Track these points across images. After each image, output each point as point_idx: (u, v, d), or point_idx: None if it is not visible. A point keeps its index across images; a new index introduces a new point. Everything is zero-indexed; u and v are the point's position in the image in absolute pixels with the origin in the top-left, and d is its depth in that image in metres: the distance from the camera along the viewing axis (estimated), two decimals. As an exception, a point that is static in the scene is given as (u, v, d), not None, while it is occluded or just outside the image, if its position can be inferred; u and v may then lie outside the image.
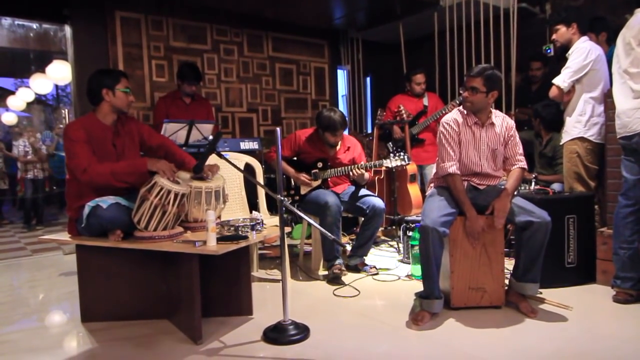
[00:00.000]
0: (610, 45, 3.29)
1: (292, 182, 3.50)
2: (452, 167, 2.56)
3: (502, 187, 2.61)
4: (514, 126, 2.67)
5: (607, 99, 2.94)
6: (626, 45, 2.54)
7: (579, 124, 3.07)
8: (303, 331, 2.27)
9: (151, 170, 2.41)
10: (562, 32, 3.15)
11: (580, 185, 3.10)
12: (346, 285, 3.08)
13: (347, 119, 3.43)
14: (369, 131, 6.31)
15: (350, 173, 3.32)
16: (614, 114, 2.65)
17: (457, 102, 4.06)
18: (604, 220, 3.05)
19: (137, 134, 2.70)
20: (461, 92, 2.59)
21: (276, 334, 2.25)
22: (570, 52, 3.09)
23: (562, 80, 3.05)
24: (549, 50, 4.63)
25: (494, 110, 2.67)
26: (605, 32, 3.38)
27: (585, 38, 3.08)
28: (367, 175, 3.43)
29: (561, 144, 3.24)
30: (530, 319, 2.42)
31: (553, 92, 3.12)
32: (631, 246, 2.58)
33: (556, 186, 3.44)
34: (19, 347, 2.31)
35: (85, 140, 2.46)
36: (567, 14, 3.13)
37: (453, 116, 2.64)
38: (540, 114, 3.83)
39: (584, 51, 3.00)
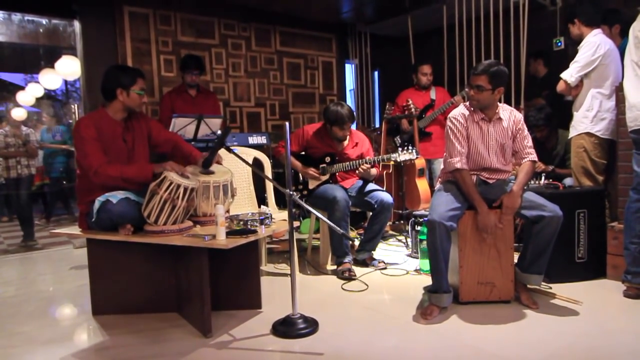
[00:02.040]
0: (623, 37, 3.25)
1: (300, 176, 3.50)
2: (459, 163, 2.53)
3: (512, 181, 2.60)
4: (522, 119, 2.65)
5: (618, 92, 2.90)
6: (635, 38, 2.51)
7: (586, 119, 3.05)
8: (312, 325, 2.28)
9: (157, 172, 2.42)
10: (571, 31, 3.14)
11: (588, 179, 3.07)
12: (355, 279, 3.08)
13: (354, 113, 3.43)
14: (377, 125, 6.29)
15: (358, 168, 3.31)
16: (625, 107, 2.62)
17: (464, 93, 4.04)
18: (614, 215, 3.03)
19: (145, 128, 2.72)
20: (467, 90, 2.58)
21: (285, 328, 2.26)
22: (580, 45, 3.06)
23: (569, 74, 3.02)
24: (559, 44, 4.59)
25: (501, 104, 2.65)
26: (619, 24, 3.33)
27: (596, 31, 3.05)
28: (374, 171, 3.42)
29: (569, 138, 3.22)
30: (532, 311, 2.43)
31: (560, 86, 3.10)
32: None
33: (568, 181, 3.42)
34: (31, 340, 2.34)
35: (96, 138, 2.47)
36: (570, 12, 3.11)
37: (460, 111, 2.63)
38: (546, 121, 3.71)
39: (592, 45, 2.97)
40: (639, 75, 2.50)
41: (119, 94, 2.54)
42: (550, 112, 3.73)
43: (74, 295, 3.09)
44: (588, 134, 3.05)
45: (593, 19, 3.09)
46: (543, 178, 3.29)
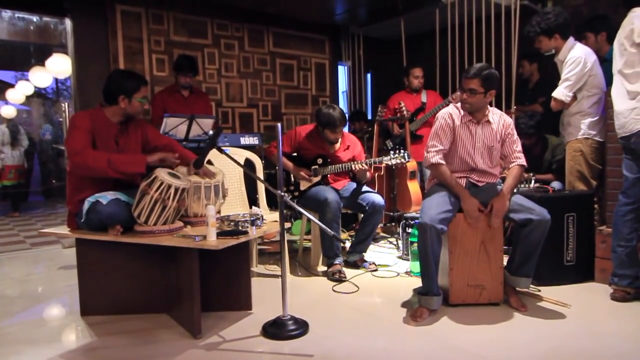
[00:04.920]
0: (610, 44, 3.28)
1: (292, 177, 3.50)
2: (435, 157, 2.57)
3: (501, 185, 2.62)
4: (512, 124, 2.67)
5: (607, 97, 2.94)
6: (620, 46, 2.56)
7: (583, 124, 3.07)
8: (302, 326, 2.28)
9: (150, 162, 2.41)
10: (545, 43, 3.11)
11: (583, 184, 3.09)
12: (345, 281, 3.08)
13: (346, 115, 3.43)
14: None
15: (353, 167, 3.31)
16: (614, 112, 2.65)
17: (456, 96, 4.05)
18: (603, 219, 3.06)
19: (141, 134, 2.70)
20: (459, 93, 2.59)
21: (275, 329, 2.25)
22: (562, 59, 3.06)
23: (564, 94, 3.02)
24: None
25: (491, 108, 2.67)
26: (605, 31, 3.36)
27: (571, 42, 3.06)
28: (368, 173, 3.42)
29: (565, 142, 3.23)
30: (521, 313, 2.45)
31: (554, 105, 3.10)
32: (629, 244, 2.59)
33: (556, 184, 3.45)
34: (18, 340, 2.32)
35: (88, 130, 2.46)
36: (547, 26, 3.05)
37: (449, 110, 2.65)
38: (536, 129, 3.74)
39: (580, 61, 2.98)
40: (624, 83, 2.54)
41: (120, 100, 2.52)
42: (540, 120, 3.76)
43: (63, 295, 3.06)
44: (586, 138, 3.07)
45: (569, 32, 3.11)
46: (533, 182, 3.31)
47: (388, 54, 6.35)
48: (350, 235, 4.13)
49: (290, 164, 3.45)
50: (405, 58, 5.61)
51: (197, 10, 5.07)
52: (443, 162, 2.59)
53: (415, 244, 2.98)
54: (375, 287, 3.01)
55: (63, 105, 4.86)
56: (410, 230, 3.42)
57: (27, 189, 8.16)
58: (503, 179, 2.69)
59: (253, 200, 3.63)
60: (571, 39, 3.08)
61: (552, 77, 3.24)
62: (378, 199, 3.30)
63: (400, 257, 3.66)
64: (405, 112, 4.18)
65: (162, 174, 2.36)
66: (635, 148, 2.52)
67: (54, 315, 2.79)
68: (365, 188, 3.42)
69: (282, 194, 2.24)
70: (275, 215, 2.85)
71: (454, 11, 4.98)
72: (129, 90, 2.51)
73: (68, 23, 4.55)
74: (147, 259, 2.54)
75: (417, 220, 3.01)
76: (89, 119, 2.50)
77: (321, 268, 3.38)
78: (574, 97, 3.06)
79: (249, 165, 3.51)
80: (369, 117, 6.68)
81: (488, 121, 2.62)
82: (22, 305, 2.86)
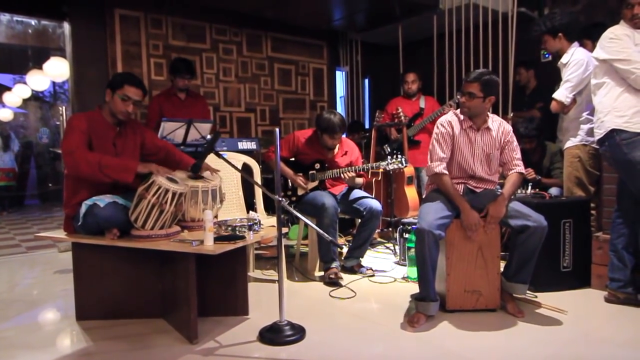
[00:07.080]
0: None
1: (290, 182, 3.50)
2: (438, 167, 2.57)
3: (499, 191, 2.63)
4: (512, 131, 2.68)
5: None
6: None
7: (582, 131, 3.09)
8: (299, 332, 2.27)
9: (141, 172, 2.40)
10: (550, 43, 3.14)
11: (580, 190, 3.11)
12: (342, 286, 3.08)
13: (345, 121, 3.43)
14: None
15: (342, 175, 3.32)
16: None
17: (453, 103, 4.08)
18: (600, 225, 3.07)
19: (139, 136, 2.70)
20: (458, 97, 2.61)
21: (272, 335, 2.25)
22: (565, 61, 3.09)
23: (564, 95, 3.04)
24: (547, 55, 4.65)
25: (491, 115, 2.68)
26: None
27: (575, 45, 3.08)
28: (360, 180, 3.43)
29: (564, 149, 3.25)
30: (518, 319, 2.45)
31: (554, 107, 3.12)
32: (615, 249, 2.67)
33: (554, 190, 3.46)
34: (13, 344, 2.30)
35: (85, 132, 2.47)
36: (552, 25, 3.08)
37: (448, 118, 2.66)
38: (537, 132, 3.75)
39: (581, 64, 3.00)
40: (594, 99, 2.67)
41: (107, 94, 2.56)
42: (540, 124, 3.77)
43: (58, 299, 3.04)
44: (584, 144, 3.09)
45: (575, 34, 3.13)
46: (530, 187, 3.32)
47: (386, 60, 6.37)
48: (348, 241, 4.13)
49: (288, 170, 3.44)
50: (403, 64, 5.63)
51: (196, 15, 5.08)
52: (446, 172, 2.58)
53: (413, 250, 2.98)
54: (372, 292, 3.00)
55: (60, 108, 4.86)
56: (407, 235, 3.42)
57: (21, 192, 8.30)
58: (501, 186, 2.70)
59: (250, 205, 3.62)
60: (576, 43, 3.10)
61: (549, 83, 3.25)
62: (375, 204, 3.30)
63: (397, 263, 3.65)
64: (402, 118, 4.20)
65: (159, 178, 2.35)
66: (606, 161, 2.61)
67: (50, 319, 2.77)
68: (362, 193, 3.43)
69: (280, 199, 2.24)
70: (273, 220, 2.85)
71: (452, 18, 5.01)
72: (114, 85, 2.55)
73: (66, 27, 4.56)
74: (144, 264, 2.53)
75: (414, 226, 3.01)
76: (85, 120, 2.51)
77: (318, 273, 3.38)
78: (574, 101, 3.08)
79: (246, 170, 3.51)
80: (367, 122, 6.70)
81: (488, 128, 2.63)
82: (18, 309, 2.85)
